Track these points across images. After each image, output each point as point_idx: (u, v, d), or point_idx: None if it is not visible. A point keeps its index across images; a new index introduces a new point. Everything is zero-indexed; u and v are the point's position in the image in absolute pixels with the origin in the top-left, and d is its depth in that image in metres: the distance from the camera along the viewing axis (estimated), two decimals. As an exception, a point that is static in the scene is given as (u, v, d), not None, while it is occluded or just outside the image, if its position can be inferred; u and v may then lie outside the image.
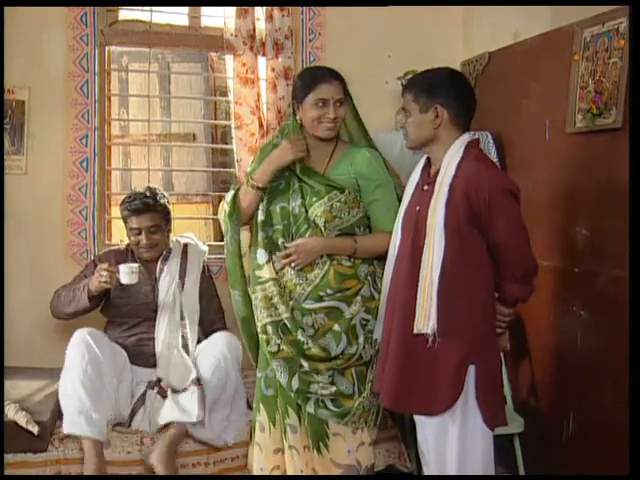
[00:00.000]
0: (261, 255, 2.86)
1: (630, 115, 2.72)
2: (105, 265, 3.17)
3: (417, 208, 2.62)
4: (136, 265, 3.17)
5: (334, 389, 2.83)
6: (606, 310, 3.01)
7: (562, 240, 3.27)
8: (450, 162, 2.54)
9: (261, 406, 2.97)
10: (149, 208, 3.31)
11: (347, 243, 2.85)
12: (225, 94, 4.46)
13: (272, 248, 2.88)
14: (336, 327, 2.81)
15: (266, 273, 2.85)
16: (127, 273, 3.12)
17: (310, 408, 2.83)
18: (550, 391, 3.39)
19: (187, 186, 5.66)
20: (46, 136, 3.77)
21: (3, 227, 3.58)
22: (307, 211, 2.83)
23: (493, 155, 3.56)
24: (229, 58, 4.13)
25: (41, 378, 3.37)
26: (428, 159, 2.72)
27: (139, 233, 3.34)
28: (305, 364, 2.81)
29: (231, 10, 4.00)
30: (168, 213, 3.45)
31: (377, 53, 4.13)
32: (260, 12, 4.06)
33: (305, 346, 2.79)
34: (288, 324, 2.82)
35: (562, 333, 3.29)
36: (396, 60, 4.08)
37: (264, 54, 4.04)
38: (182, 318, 3.32)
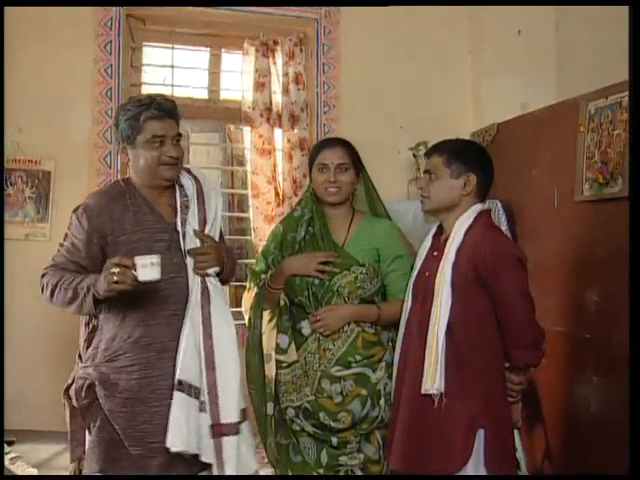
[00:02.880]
0: (283, 340, 2.89)
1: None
2: (115, 259, 2.36)
3: (427, 274, 2.67)
4: (156, 256, 2.39)
5: (362, 456, 2.82)
6: (618, 375, 3.03)
7: (573, 306, 3.32)
8: (460, 227, 2.62)
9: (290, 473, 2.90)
10: (174, 113, 2.60)
11: (372, 310, 2.89)
12: (242, 164, 4.60)
13: (294, 334, 2.90)
14: (363, 392, 2.83)
15: (290, 357, 2.88)
16: (147, 267, 2.40)
17: None
18: (564, 457, 3.38)
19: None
20: (70, 204, 3.88)
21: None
22: (329, 281, 2.87)
23: (503, 223, 3.63)
24: (246, 129, 4.28)
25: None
26: (440, 227, 2.79)
27: (161, 143, 2.53)
28: (334, 439, 2.82)
29: (249, 84, 4.17)
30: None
31: (389, 124, 4.26)
32: (277, 86, 4.22)
33: (329, 424, 2.80)
34: (310, 408, 2.83)
35: (575, 399, 3.31)
36: (408, 131, 4.20)
37: (280, 126, 4.19)
38: None
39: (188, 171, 2.72)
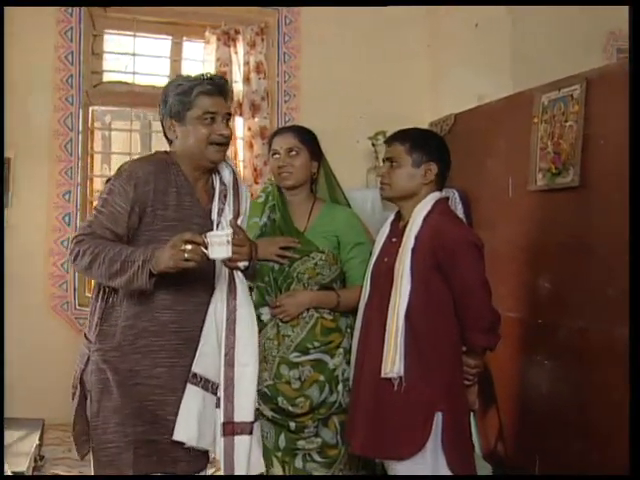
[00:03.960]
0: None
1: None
2: (187, 235, 2.19)
3: (385, 260, 2.71)
4: (230, 232, 2.23)
5: (320, 441, 2.87)
6: (569, 359, 3.14)
7: (526, 293, 3.41)
8: (418, 214, 2.67)
9: None
10: (225, 91, 2.48)
11: (331, 297, 2.93)
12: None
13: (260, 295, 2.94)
14: (321, 378, 2.87)
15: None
16: (222, 245, 2.21)
17: (298, 464, 2.86)
18: (517, 439, 3.48)
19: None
20: (30, 191, 3.91)
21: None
22: (289, 267, 2.91)
23: (459, 211, 3.71)
24: (208, 118, 4.29)
25: (21, 428, 3.41)
26: (398, 213, 2.84)
27: (212, 121, 2.42)
28: (292, 424, 2.86)
29: (210, 72, 4.19)
30: None
31: (349, 114, 4.32)
32: (238, 75, 4.25)
33: (287, 409, 2.84)
34: (269, 393, 2.87)
35: (527, 382, 3.40)
36: (367, 121, 4.26)
37: (241, 114, 4.23)
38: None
39: (225, 160, 2.60)
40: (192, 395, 2.40)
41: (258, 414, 2.83)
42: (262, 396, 2.85)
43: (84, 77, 4.07)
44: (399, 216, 2.82)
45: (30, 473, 3.09)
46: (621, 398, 2.77)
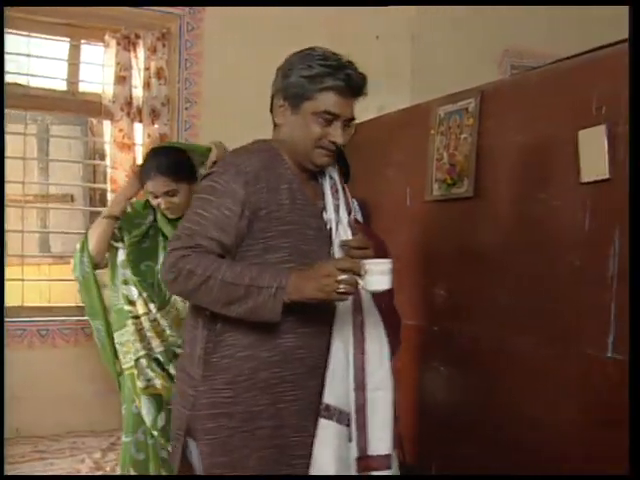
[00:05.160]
0: (132, 290, 2.89)
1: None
2: (346, 263, 1.86)
3: None
4: (389, 261, 1.90)
5: None
6: (463, 366, 3.22)
7: (423, 301, 3.49)
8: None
9: (132, 470, 2.95)
10: (360, 93, 2.14)
11: None
12: (104, 158, 4.52)
13: (142, 287, 2.89)
14: None
15: (139, 308, 2.87)
16: (385, 274, 1.88)
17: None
18: (414, 445, 3.54)
19: (64, 247, 5.61)
20: None
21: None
22: None
23: (359, 219, 3.75)
24: (107, 123, 4.22)
25: None
26: None
27: (329, 123, 2.00)
28: None
29: (109, 77, 4.12)
30: None
31: (250, 122, 4.25)
32: (138, 80, 4.19)
33: None
34: (161, 358, 2.85)
35: (424, 388, 3.48)
36: (269, 130, 4.24)
37: (141, 120, 4.16)
38: None
39: None
40: (327, 432, 2.04)
41: (145, 386, 2.80)
42: (154, 360, 2.82)
43: (-24, 78, 3.92)
44: None
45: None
46: (511, 402, 2.87)
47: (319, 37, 4.57)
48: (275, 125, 2.14)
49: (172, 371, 2.82)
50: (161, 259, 2.88)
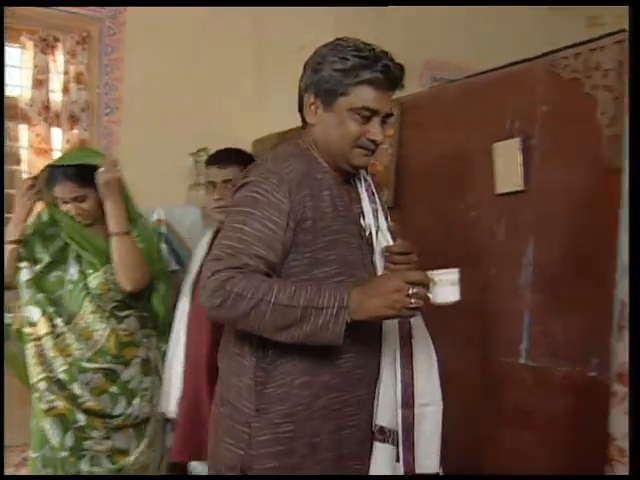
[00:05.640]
0: (33, 312, 2.81)
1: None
2: (417, 275, 1.68)
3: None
4: (457, 270, 1.77)
5: (110, 444, 2.82)
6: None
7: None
8: None
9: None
10: (397, 85, 1.94)
11: None
12: (19, 163, 4.39)
13: (48, 303, 2.81)
14: (113, 389, 2.82)
15: (41, 328, 2.80)
16: (455, 285, 1.76)
17: (84, 466, 2.79)
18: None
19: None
20: None
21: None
22: (86, 278, 2.83)
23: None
24: (23, 127, 4.11)
25: None
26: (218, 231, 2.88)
27: (367, 119, 1.86)
28: (81, 418, 2.76)
29: (27, 80, 4.02)
30: None
31: (172, 129, 4.26)
32: (56, 84, 4.09)
33: (81, 399, 2.76)
34: (63, 377, 2.78)
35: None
36: (190, 137, 4.23)
37: (59, 125, 4.07)
38: None
39: None
40: (383, 457, 1.90)
41: (48, 408, 2.72)
42: (56, 383, 2.76)
43: None
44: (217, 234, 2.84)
45: None
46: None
47: (243, 46, 4.61)
48: (305, 125, 1.97)
49: (76, 391, 2.75)
50: (72, 269, 2.82)
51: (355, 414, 1.86)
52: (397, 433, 1.90)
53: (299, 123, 4.04)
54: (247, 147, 4.01)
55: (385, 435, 1.90)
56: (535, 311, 2.48)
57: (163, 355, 2.93)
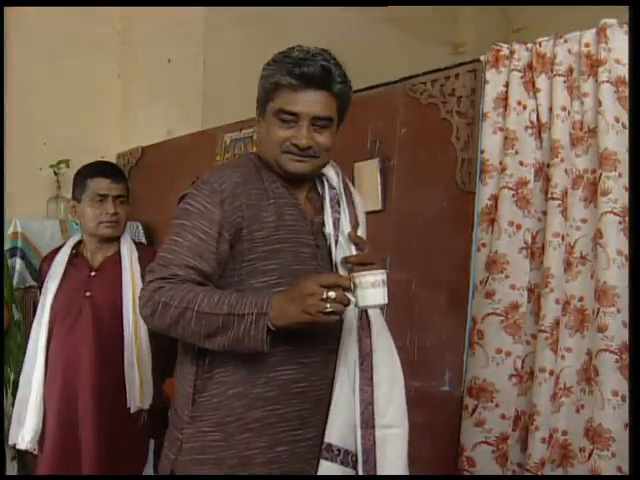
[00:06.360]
0: None
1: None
2: (330, 278, 1.63)
3: (88, 294, 2.69)
4: (383, 272, 1.65)
5: None
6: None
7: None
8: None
9: None
10: (330, 86, 1.81)
11: None
12: None
13: None
14: None
15: None
16: (377, 287, 1.63)
17: None
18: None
19: None
20: None
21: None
22: None
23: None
24: None
25: None
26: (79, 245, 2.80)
27: (294, 123, 1.79)
28: None
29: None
30: None
31: (32, 140, 4.10)
32: None
33: None
34: None
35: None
36: (51, 148, 4.09)
37: None
38: None
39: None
40: (329, 476, 1.78)
41: None
42: None
43: None
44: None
45: None
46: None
47: (108, 57, 4.51)
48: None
49: None
50: None
51: (295, 429, 1.78)
52: (352, 454, 1.80)
53: (163, 137, 4.04)
54: (110, 160, 3.94)
55: (333, 454, 1.78)
56: (391, 328, 2.54)
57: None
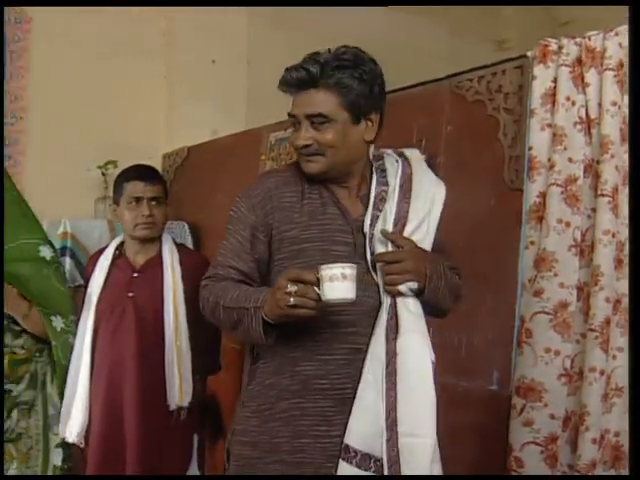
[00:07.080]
0: None
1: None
2: (291, 273, 1.68)
3: (130, 294, 2.74)
4: (349, 266, 1.65)
5: None
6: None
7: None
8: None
9: None
10: (314, 83, 1.84)
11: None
12: None
13: None
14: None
15: None
16: (336, 281, 1.64)
17: None
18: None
19: None
20: None
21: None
22: None
23: (189, 243, 3.74)
24: None
25: None
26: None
27: (299, 125, 1.85)
28: None
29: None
30: None
31: (80, 140, 4.16)
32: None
33: None
34: None
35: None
36: (99, 149, 4.15)
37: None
38: None
39: (400, 153, 1.98)
40: (346, 476, 1.77)
41: None
42: None
43: None
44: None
45: None
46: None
47: (154, 59, 4.56)
48: None
49: None
50: None
51: (317, 425, 1.79)
52: (374, 458, 1.76)
53: (209, 137, 4.07)
54: (157, 160, 3.99)
55: (349, 455, 1.75)
56: (436, 328, 2.52)
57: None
